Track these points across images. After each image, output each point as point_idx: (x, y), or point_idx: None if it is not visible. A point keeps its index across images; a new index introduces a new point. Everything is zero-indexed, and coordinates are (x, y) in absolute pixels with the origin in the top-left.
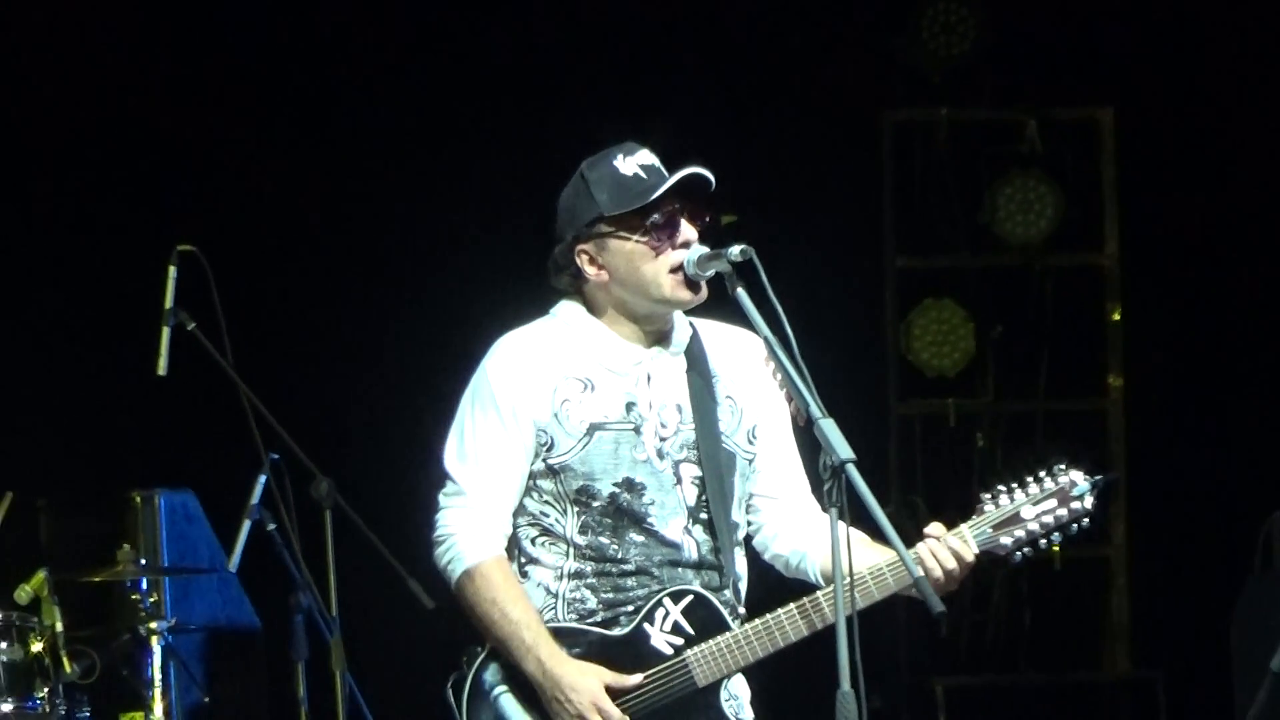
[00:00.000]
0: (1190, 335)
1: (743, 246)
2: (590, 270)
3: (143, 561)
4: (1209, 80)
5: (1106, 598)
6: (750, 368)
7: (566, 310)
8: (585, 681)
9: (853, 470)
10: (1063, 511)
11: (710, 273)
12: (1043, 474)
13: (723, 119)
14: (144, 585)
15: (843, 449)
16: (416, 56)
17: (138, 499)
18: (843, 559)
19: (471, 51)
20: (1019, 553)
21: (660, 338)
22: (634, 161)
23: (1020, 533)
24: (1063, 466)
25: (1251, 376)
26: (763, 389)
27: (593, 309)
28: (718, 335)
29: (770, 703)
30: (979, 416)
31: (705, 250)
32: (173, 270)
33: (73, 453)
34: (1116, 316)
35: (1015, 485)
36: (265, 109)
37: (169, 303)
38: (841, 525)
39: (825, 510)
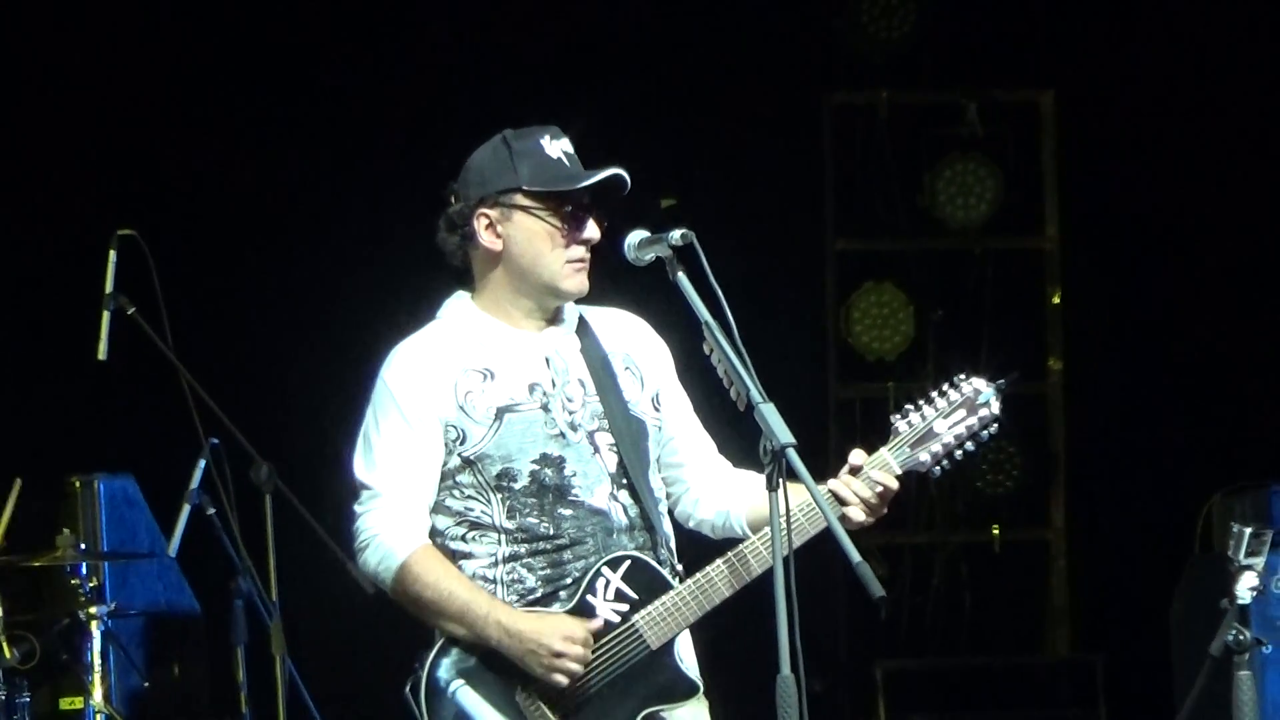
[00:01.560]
0: (1130, 318)
1: (683, 230)
2: (485, 236)
3: (82, 546)
4: (1149, 63)
5: (1046, 581)
6: (639, 340)
7: (453, 308)
8: (548, 623)
9: (793, 454)
10: (973, 420)
11: (650, 257)
12: (946, 387)
13: (663, 102)
14: (83, 570)
15: (783, 433)
16: (350, 48)
17: (77, 483)
18: (782, 542)
19: (403, 38)
20: (938, 466)
21: (550, 319)
22: (558, 146)
23: (937, 447)
24: (963, 376)
25: (1191, 359)
26: (656, 359)
27: (479, 288)
28: (603, 316)
29: (714, 677)
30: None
31: (645, 234)
32: (113, 255)
33: (11, 437)
34: (1056, 300)
35: (922, 402)
36: (205, 93)
37: (109, 287)
38: (782, 508)
39: (769, 491)
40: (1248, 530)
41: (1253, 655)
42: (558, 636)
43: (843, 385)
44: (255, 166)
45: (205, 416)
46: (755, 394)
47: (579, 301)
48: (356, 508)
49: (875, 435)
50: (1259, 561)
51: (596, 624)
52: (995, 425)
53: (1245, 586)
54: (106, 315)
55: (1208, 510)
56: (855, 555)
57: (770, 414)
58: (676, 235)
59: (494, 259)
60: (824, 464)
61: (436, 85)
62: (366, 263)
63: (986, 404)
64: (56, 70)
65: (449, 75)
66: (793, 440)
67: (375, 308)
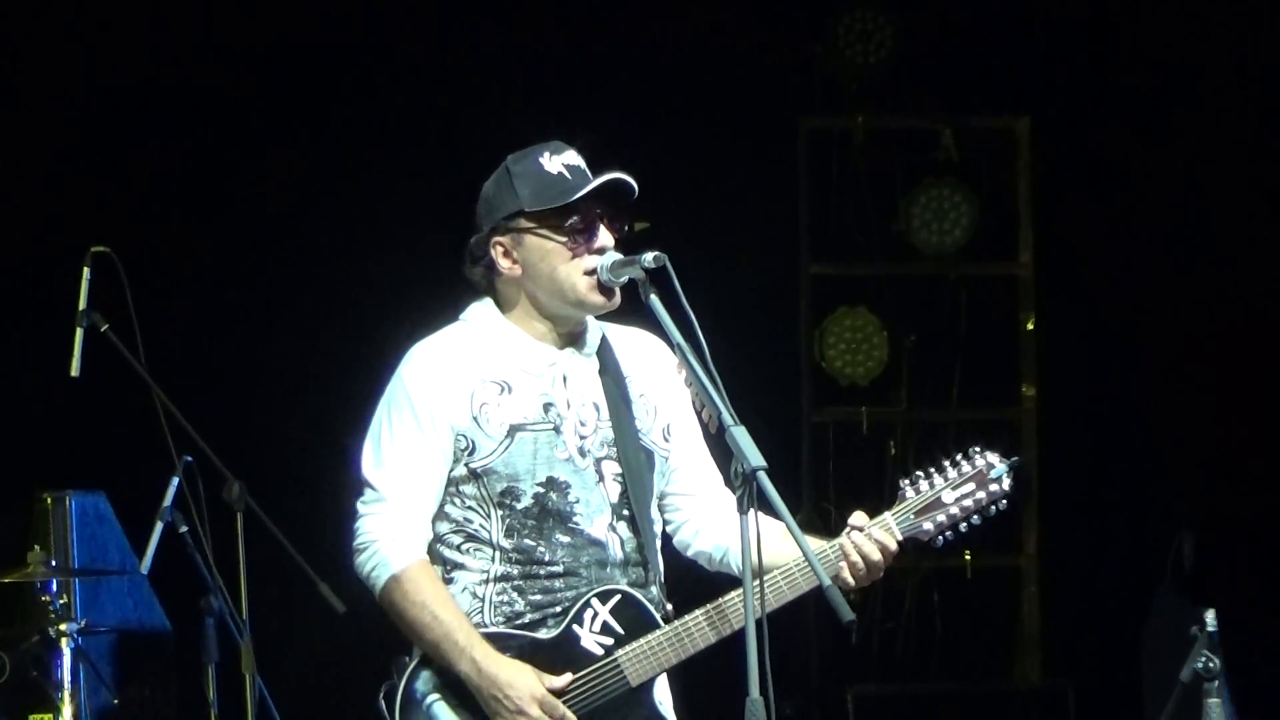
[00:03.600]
0: (1104, 345)
1: (656, 253)
2: (504, 264)
3: (53, 563)
4: (1124, 90)
5: (1018, 607)
6: (659, 368)
7: (477, 313)
8: (521, 678)
9: (764, 478)
10: (981, 494)
11: (624, 279)
12: (959, 458)
13: (640, 124)
14: (54, 587)
15: (754, 457)
16: (337, 63)
17: (49, 500)
18: (752, 566)
19: (389, 55)
20: (941, 537)
21: (573, 339)
22: (559, 160)
23: (942, 517)
24: (979, 449)
25: (1163, 387)
26: (672, 389)
27: (504, 305)
28: (626, 338)
29: (688, 709)
30: (892, 425)
31: (619, 256)
32: (86, 272)
33: None
34: (1030, 326)
35: (933, 470)
36: (180, 110)
37: (82, 304)
38: (753, 533)
39: (741, 514)
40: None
41: (1222, 683)
42: (527, 695)
43: (816, 409)
44: (230, 185)
45: (178, 434)
46: (727, 416)
47: (603, 319)
48: (360, 506)
49: (847, 460)
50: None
51: (564, 681)
52: (1004, 502)
53: (1214, 615)
54: (80, 332)
55: (1179, 538)
56: (826, 579)
57: (742, 437)
58: (650, 257)
59: (516, 283)
60: (796, 489)
61: (415, 109)
62: (342, 282)
63: (998, 480)
64: (29, 86)
65: (429, 100)
66: (764, 464)
67: (350, 328)
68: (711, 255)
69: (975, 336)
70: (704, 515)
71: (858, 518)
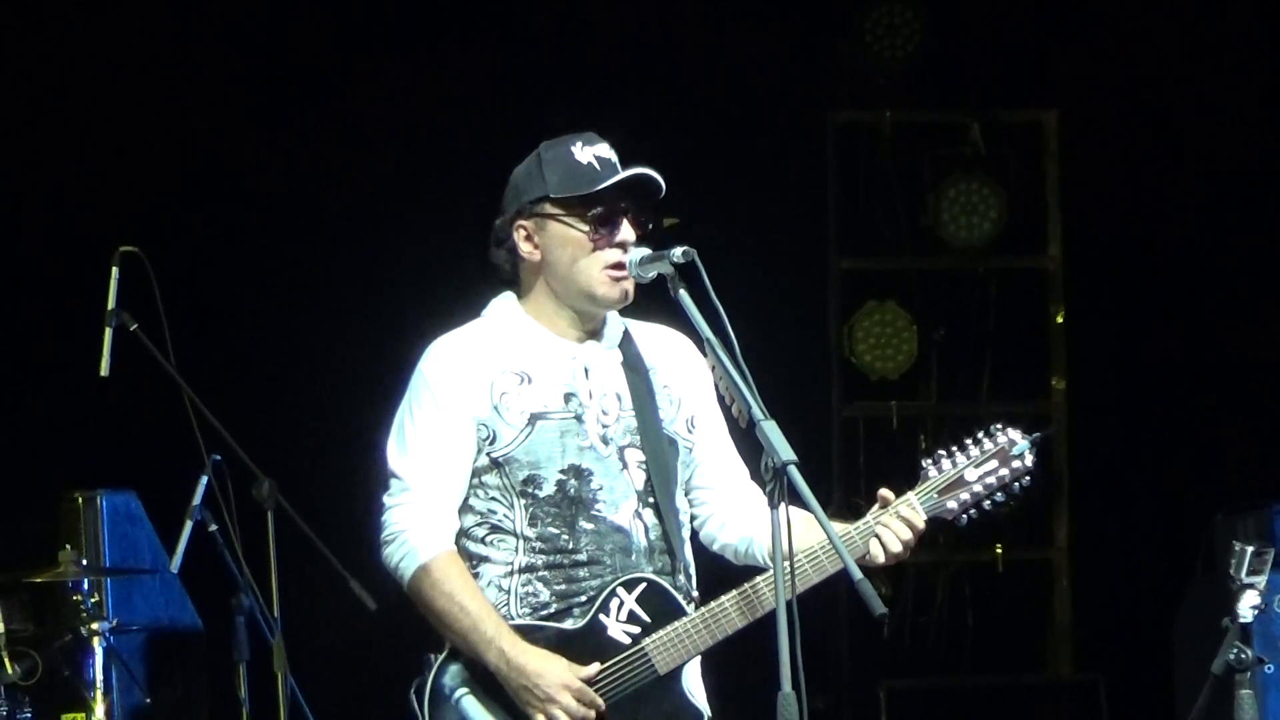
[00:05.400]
0: (1133, 338)
1: (685, 248)
2: (525, 248)
3: (84, 562)
4: (1153, 82)
5: (1049, 600)
6: (683, 362)
7: (498, 307)
8: (550, 666)
9: (794, 472)
10: (1004, 471)
11: (652, 274)
12: (981, 435)
13: (668, 120)
14: (86, 586)
15: (785, 451)
16: (364, 60)
17: (80, 499)
18: (783, 559)
19: (417, 53)
20: (965, 515)
21: (593, 333)
22: (591, 151)
23: (965, 495)
24: (1000, 426)
25: (1194, 379)
26: (697, 383)
27: (525, 295)
28: (649, 333)
29: (722, 703)
30: (922, 419)
31: (647, 251)
32: (115, 271)
33: (14, 453)
34: (1060, 319)
35: (955, 449)
36: (209, 109)
37: (111, 303)
38: (783, 525)
39: (771, 508)
40: (1249, 549)
41: (1254, 674)
42: (557, 684)
43: (846, 404)
44: (257, 183)
45: (207, 433)
46: (757, 411)
47: (626, 315)
48: (386, 499)
49: (877, 454)
50: (1261, 580)
51: (592, 671)
52: (1028, 478)
53: (1247, 605)
54: (109, 332)
55: (1210, 529)
56: (857, 573)
57: (772, 431)
58: (678, 252)
59: (536, 269)
60: (826, 482)
61: (442, 107)
62: (369, 280)
63: (1020, 456)
64: (58, 86)
65: (456, 97)
66: (794, 458)
67: (378, 326)
68: (740, 250)
69: (1004, 330)
70: (729, 508)
71: (886, 493)
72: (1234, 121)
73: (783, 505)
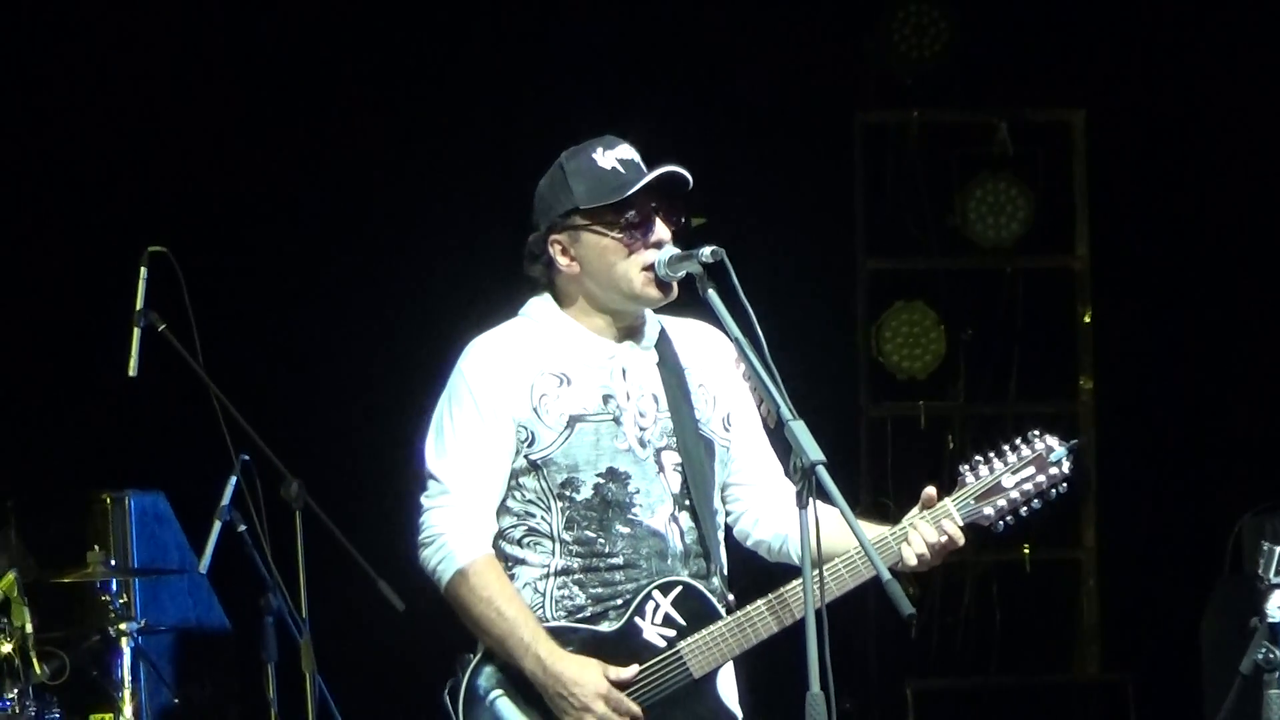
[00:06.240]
0: (1161, 337)
1: (714, 248)
2: (562, 261)
3: (113, 563)
4: (1180, 82)
5: (1077, 600)
6: (717, 359)
7: (536, 307)
8: (587, 674)
9: (823, 472)
10: (1041, 478)
11: (681, 274)
12: (1018, 441)
13: (696, 120)
14: (114, 586)
15: (813, 451)
16: (391, 58)
17: (108, 500)
18: (812, 560)
19: (445, 51)
20: (1001, 522)
21: (631, 332)
22: (613, 155)
23: (1002, 502)
24: (1037, 433)
25: (1222, 378)
26: (731, 379)
27: (563, 301)
28: (684, 330)
29: (751, 702)
30: (949, 419)
31: (676, 251)
32: (144, 271)
33: (43, 454)
34: (1087, 319)
35: (993, 455)
36: (237, 109)
37: (140, 304)
38: (811, 526)
39: (800, 508)
40: (1278, 549)
41: None
42: (592, 692)
43: (873, 404)
44: (286, 183)
45: (235, 433)
46: (785, 411)
47: (660, 311)
48: (424, 500)
49: (905, 454)
50: None
51: (631, 672)
52: (1065, 485)
53: (1275, 605)
54: (137, 332)
55: (1238, 529)
56: (885, 573)
57: (800, 431)
58: (707, 252)
59: (576, 279)
60: (854, 483)
61: (473, 105)
62: (400, 278)
63: (1058, 463)
64: (88, 87)
65: (486, 96)
66: (823, 458)
67: (408, 325)
68: (768, 250)
69: (1032, 330)
70: (763, 504)
71: (930, 492)
72: (1262, 121)
73: (812, 505)
